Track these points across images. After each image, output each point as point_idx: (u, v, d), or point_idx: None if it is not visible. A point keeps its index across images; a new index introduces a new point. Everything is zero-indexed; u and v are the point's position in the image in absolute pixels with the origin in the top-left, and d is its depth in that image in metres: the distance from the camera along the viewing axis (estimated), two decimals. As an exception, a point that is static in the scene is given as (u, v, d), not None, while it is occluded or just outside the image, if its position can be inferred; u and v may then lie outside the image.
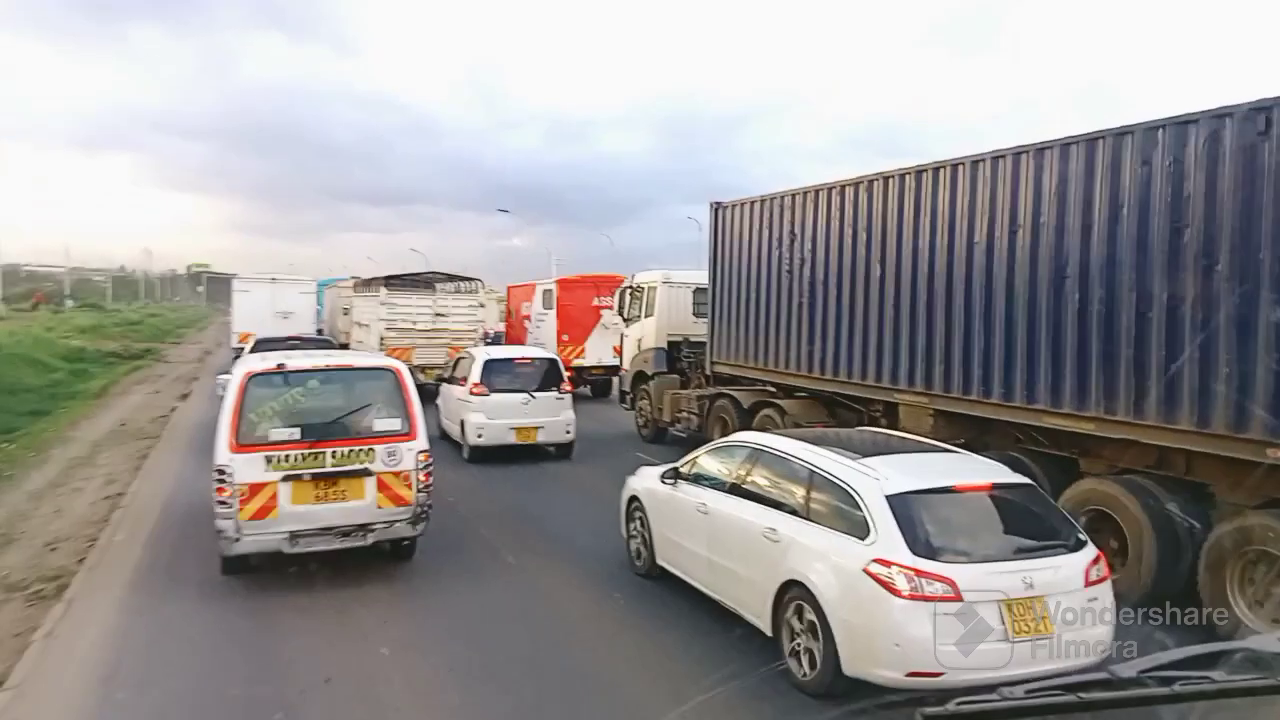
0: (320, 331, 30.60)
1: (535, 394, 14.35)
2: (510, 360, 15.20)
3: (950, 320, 9.84)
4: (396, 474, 8.03)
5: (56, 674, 6.33)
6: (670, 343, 16.98)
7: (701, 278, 17.29)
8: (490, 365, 14.58)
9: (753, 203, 13.60)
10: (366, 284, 27.45)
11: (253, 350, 19.71)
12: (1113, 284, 8.10)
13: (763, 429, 10.85)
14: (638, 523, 8.61)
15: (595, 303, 22.88)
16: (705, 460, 7.98)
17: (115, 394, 22.73)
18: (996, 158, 9.30)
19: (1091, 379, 8.27)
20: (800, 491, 6.59)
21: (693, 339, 16.63)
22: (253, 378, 8.05)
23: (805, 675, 6.00)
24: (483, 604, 7.86)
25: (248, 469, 7.62)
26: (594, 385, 23.57)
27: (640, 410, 17.34)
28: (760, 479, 7.12)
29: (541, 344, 22.89)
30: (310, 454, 7.78)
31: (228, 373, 9.90)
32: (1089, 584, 5.77)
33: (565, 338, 22.73)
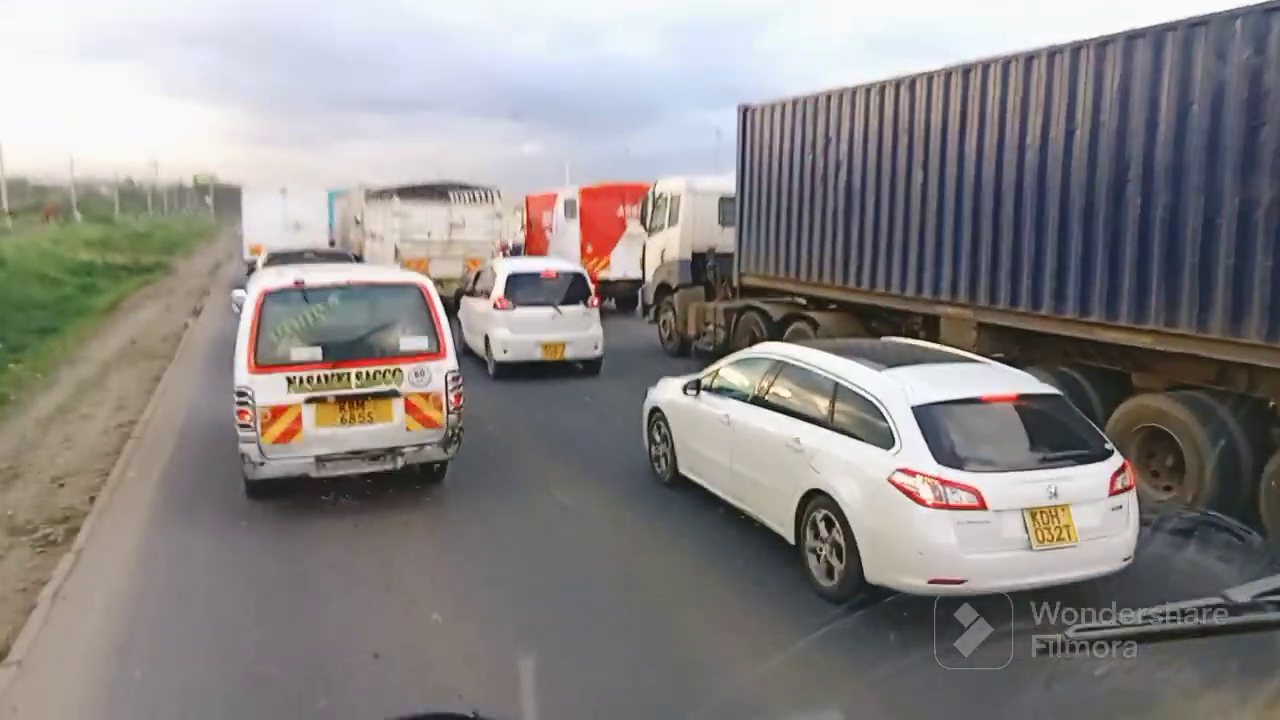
0: (332, 243, 30.05)
1: (561, 308, 13.94)
2: (535, 274, 14.64)
3: (998, 228, 9.37)
4: (425, 395, 7.70)
5: (65, 644, 5.68)
6: (695, 254, 16.51)
7: (727, 185, 16.64)
8: (514, 279, 14.08)
9: (784, 105, 12.97)
10: (379, 195, 26.40)
11: (266, 265, 19.37)
12: (1179, 187, 7.62)
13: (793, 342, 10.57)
14: (659, 433, 8.67)
15: (620, 213, 21.97)
16: (727, 371, 7.98)
17: (125, 309, 22.19)
18: (1053, 53, 8.70)
19: (1152, 290, 7.85)
20: (824, 402, 6.61)
21: (719, 250, 16.13)
22: (270, 295, 7.62)
23: (827, 583, 6.12)
24: (538, 551, 7.21)
25: (269, 391, 7.30)
26: (619, 298, 22.86)
27: (664, 323, 16.98)
28: (783, 390, 7.12)
29: (564, 256, 22.33)
30: (333, 375, 7.44)
31: (243, 288, 9.44)
32: (1113, 492, 5.79)
33: (589, 249, 21.99)
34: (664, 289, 17.05)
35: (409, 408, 7.65)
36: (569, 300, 14.09)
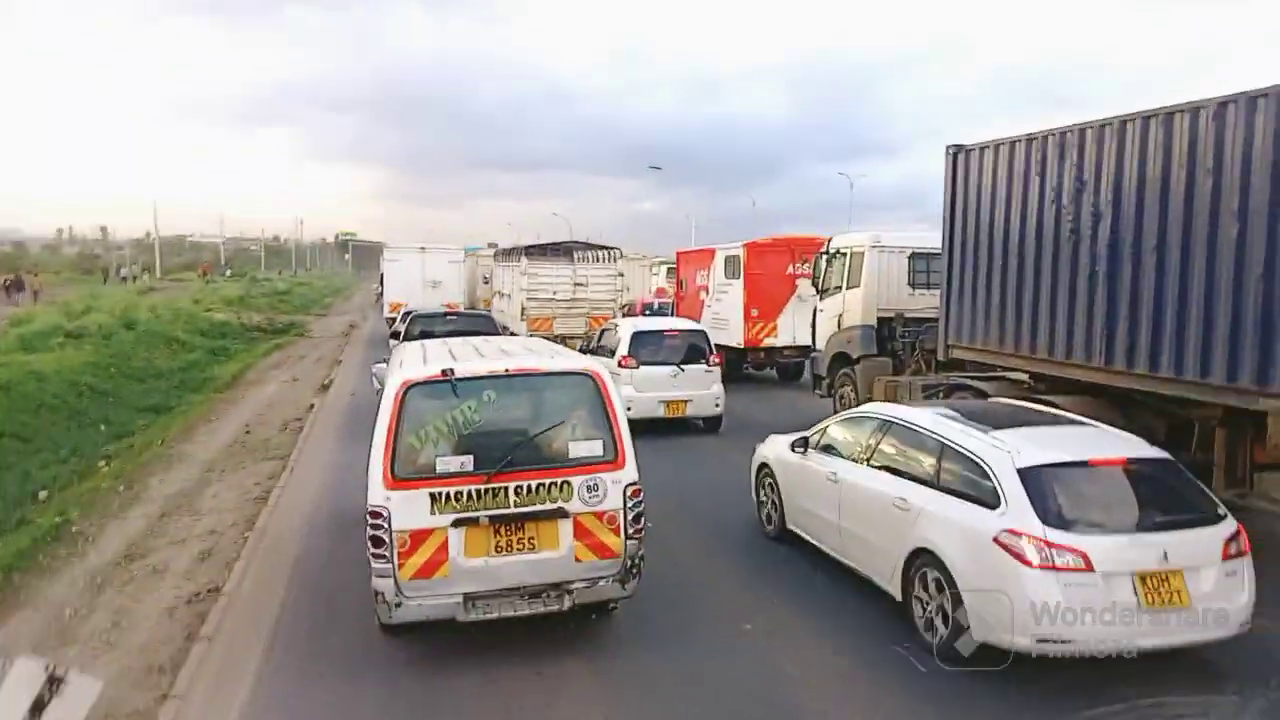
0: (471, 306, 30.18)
1: (683, 366, 14.21)
2: (658, 331, 15.05)
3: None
4: (599, 515, 6.20)
5: None
6: (880, 319, 14.21)
7: (918, 240, 14.58)
8: (638, 337, 14.43)
9: (1012, 144, 10.58)
10: (507, 253, 27.91)
11: (406, 326, 18.68)
12: None
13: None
14: (767, 489, 8.92)
15: (790, 270, 19.49)
16: (835, 430, 8.17)
17: (250, 381, 20.36)
18: None
19: None
20: (930, 462, 6.72)
21: (909, 314, 13.83)
22: (412, 388, 6.18)
23: (934, 640, 6.17)
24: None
25: (408, 511, 5.87)
26: (782, 368, 20.52)
27: (841, 398, 14.61)
28: (890, 449, 7.25)
29: (724, 321, 20.24)
30: (487, 490, 5.98)
31: (384, 362, 8.42)
32: (1227, 557, 5.78)
33: (754, 313, 19.54)
34: (841, 359, 14.79)
35: (579, 532, 6.17)
36: (690, 359, 14.37)
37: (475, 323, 18.64)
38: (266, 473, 11.51)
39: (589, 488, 6.17)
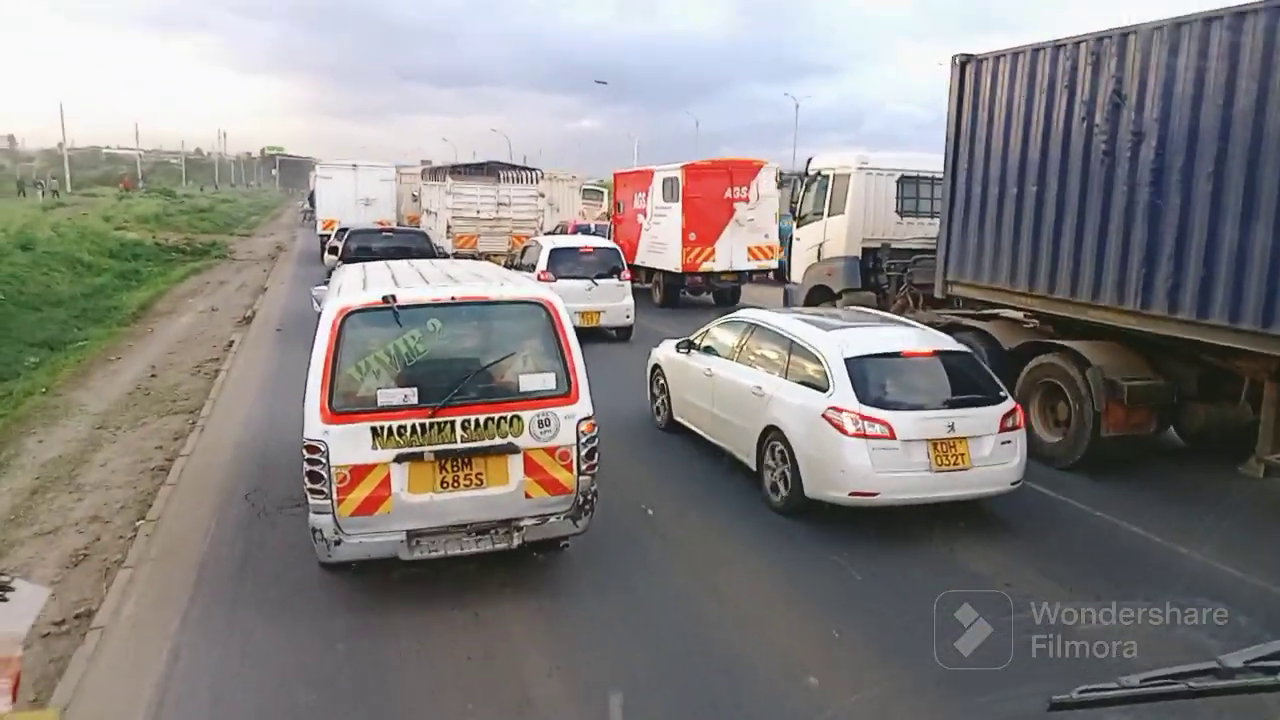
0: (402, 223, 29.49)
1: (597, 281, 15.32)
2: (574, 248, 16.17)
3: None
4: (550, 451, 5.99)
5: None
6: (865, 250, 13.05)
7: (907, 161, 13.36)
8: (556, 253, 15.53)
9: (1034, 52, 9.30)
10: (435, 172, 29.18)
11: (344, 243, 18.79)
12: None
13: (1045, 381, 9.22)
14: (659, 386, 10.06)
15: (728, 194, 19.00)
16: (714, 332, 9.30)
17: (161, 311, 18.05)
18: None
19: None
20: (782, 356, 7.96)
21: (896, 245, 12.68)
22: (351, 315, 5.81)
23: (778, 499, 7.58)
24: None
25: (347, 446, 5.59)
26: (719, 293, 19.89)
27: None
28: (754, 347, 8.46)
29: (662, 245, 19.68)
30: (433, 424, 5.73)
31: (324, 284, 8.06)
32: (1003, 430, 7.16)
33: (692, 237, 18.90)
34: (820, 293, 13.65)
35: (530, 467, 5.96)
36: (604, 274, 15.48)
37: (411, 239, 19.38)
38: (172, 431, 9.62)
39: (540, 423, 5.92)
